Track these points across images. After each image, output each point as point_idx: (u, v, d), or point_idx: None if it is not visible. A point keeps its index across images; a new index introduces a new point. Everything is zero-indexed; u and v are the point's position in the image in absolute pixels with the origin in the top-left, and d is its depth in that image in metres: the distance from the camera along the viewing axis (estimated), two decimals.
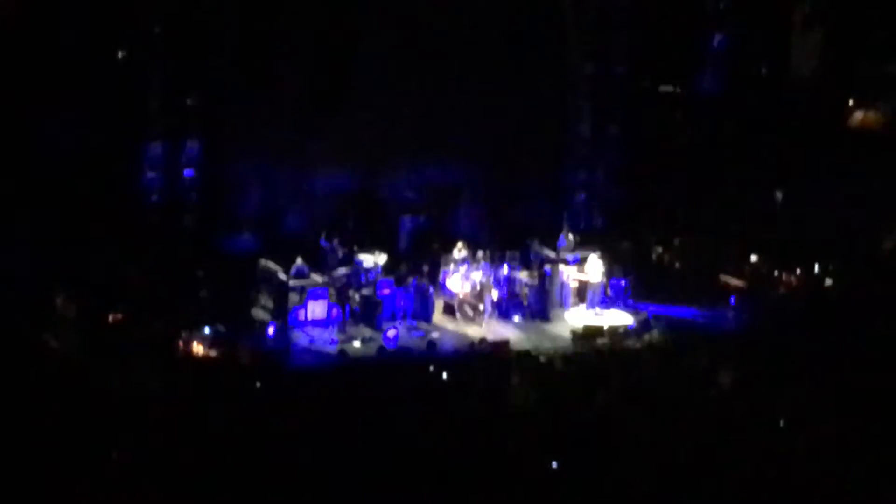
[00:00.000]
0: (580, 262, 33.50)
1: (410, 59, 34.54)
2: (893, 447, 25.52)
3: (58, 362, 27.55)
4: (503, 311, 32.44)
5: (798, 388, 28.26)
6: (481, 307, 32.14)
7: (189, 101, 33.01)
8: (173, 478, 22.90)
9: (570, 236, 33.86)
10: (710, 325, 32.76)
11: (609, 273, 33.47)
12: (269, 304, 31.06)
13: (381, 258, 32.37)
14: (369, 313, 31.32)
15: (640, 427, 25.99)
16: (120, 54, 32.16)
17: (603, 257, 33.57)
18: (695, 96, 39.06)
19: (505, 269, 32.92)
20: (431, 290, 32.13)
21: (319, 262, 32.00)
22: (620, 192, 38.03)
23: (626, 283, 33.33)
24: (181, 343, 28.89)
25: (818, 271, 34.98)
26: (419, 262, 32.94)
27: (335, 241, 32.17)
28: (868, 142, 37.57)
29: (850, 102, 38.51)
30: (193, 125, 33.04)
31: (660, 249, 36.58)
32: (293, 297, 31.10)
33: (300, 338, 30.35)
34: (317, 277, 31.76)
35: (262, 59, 33.41)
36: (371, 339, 30.47)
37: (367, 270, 31.89)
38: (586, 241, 34.84)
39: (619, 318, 32.54)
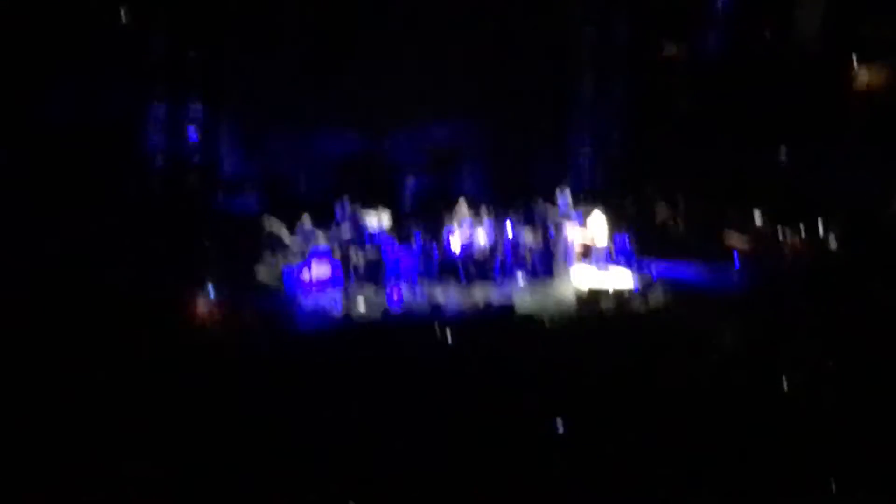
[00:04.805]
0: (584, 221, 33.57)
1: (415, 18, 34.44)
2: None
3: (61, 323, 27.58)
4: (507, 270, 32.44)
5: (801, 348, 28.31)
6: (486, 267, 32.16)
7: (191, 56, 32.88)
8: (174, 441, 22.90)
9: (569, 193, 33.90)
10: (713, 285, 32.83)
11: (613, 232, 33.56)
12: (273, 264, 31.05)
13: (385, 218, 32.41)
14: (373, 274, 31.31)
15: (643, 387, 26.02)
16: (122, 13, 32.05)
17: (607, 216, 33.63)
18: (698, 55, 38.95)
19: (509, 228, 32.95)
20: (436, 250, 32.15)
21: (324, 223, 32.06)
22: (624, 151, 38.03)
23: (629, 243, 33.40)
24: (185, 304, 28.89)
25: (822, 232, 35.03)
26: (423, 222, 32.95)
27: (343, 201, 32.13)
28: (872, 102, 37.47)
29: (855, 62, 38.38)
30: (196, 86, 32.94)
31: (663, 209, 36.65)
32: (297, 258, 31.13)
33: (303, 298, 30.32)
34: (321, 237, 31.83)
35: (265, 18, 33.25)
36: (375, 299, 30.49)
37: (371, 230, 31.92)
38: (590, 200, 34.90)
39: (622, 277, 32.57)
